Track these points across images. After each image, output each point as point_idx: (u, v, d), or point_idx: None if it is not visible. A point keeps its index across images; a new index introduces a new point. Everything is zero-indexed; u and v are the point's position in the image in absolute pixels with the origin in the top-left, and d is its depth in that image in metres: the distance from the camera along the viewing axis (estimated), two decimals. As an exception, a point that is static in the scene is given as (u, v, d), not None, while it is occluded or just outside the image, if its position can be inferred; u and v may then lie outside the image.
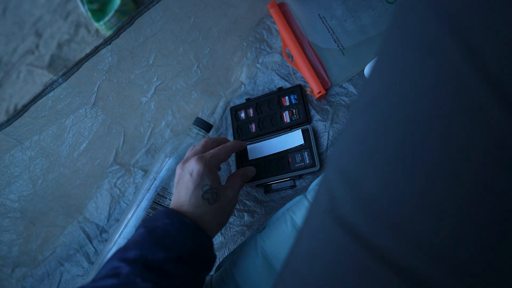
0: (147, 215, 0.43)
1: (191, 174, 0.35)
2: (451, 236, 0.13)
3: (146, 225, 0.32)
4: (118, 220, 0.54)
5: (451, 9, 0.13)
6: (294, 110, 0.49)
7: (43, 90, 0.40)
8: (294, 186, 0.46)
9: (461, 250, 0.13)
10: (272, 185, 0.47)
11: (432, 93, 0.14)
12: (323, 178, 0.20)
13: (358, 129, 0.17)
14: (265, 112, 0.50)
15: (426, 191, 0.14)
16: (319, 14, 0.49)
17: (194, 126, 0.47)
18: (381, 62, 0.17)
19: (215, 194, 0.35)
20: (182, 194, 0.35)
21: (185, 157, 0.39)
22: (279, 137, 0.47)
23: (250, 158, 0.48)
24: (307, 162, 0.45)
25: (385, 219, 0.15)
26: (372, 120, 0.16)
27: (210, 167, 0.36)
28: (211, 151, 0.39)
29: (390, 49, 0.16)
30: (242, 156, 0.50)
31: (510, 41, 0.12)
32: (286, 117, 0.49)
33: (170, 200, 0.44)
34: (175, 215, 0.32)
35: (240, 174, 0.43)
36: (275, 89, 0.51)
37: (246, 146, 0.49)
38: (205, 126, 0.47)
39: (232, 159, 0.51)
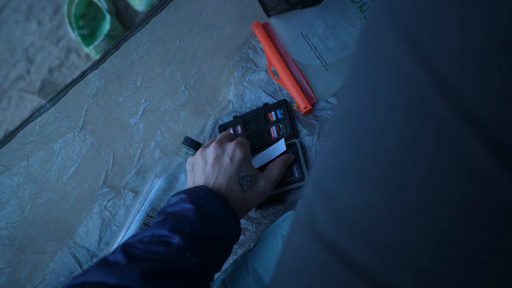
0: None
1: (231, 159, 0.36)
2: (423, 247, 0.14)
3: (193, 201, 0.32)
4: (108, 244, 0.53)
5: (408, 22, 0.14)
6: (281, 125, 0.49)
7: (31, 116, 0.41)
8: (285, 201, 0.46)
9: (431, 258, 0.13)
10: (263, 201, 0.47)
11: (394, 108, 0.14)
12: (303, 193, 0.20)
13: (332, 143, 0.18)
14: (252, 128, 0.51)
15: (397, 202, 0.14)
16: (301, 33, 0.51)
17: (183, 145, 0.48)
18: (350, 78, 0.18)
19: (250, 182, 0.36)
20: (220, 177, 0.36)
21: (205, 144, 0.40)
22: (262, 151, 0.47)
23: None
24: (296, 176, 0.46)
25: (359, 232, 0.15)
26: (343, 134, 0.17)
27: (247, 155, 0.37)
28: (241, 139, 0.40)
29: (358, 64, 0.17)
30: None
31: (465, 51, 0.12)
32: (274, 132, 0.50)
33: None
34: (221, 200, 0.34)
35: (281, 161, 0.43)
36: (262, 105, 0.52)
37: None
38: (194, 145, 0.48)
39: None
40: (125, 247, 0.29)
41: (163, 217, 0.32)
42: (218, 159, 0.36)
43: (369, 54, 0.16)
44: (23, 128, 0.41)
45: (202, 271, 0.30)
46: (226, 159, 0.36)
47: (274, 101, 0.52)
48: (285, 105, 0.50)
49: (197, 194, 0.34)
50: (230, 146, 0.37)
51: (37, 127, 0.42)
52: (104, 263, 0.27)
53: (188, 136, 0.48)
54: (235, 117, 0.53)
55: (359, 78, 0.17)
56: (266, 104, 0.51)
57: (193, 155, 0.48)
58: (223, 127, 0.53)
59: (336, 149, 0.17)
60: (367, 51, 0.16)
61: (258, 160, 0.47)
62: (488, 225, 0.12)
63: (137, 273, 0.26)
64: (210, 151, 0.38)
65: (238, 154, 0.36)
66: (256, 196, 0.37)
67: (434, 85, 0.13)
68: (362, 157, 0.16)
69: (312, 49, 0.50)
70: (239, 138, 0.40)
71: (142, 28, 0.41)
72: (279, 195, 0.46)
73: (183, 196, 0.33)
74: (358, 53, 0.17)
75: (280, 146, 0.46)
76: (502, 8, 0.11)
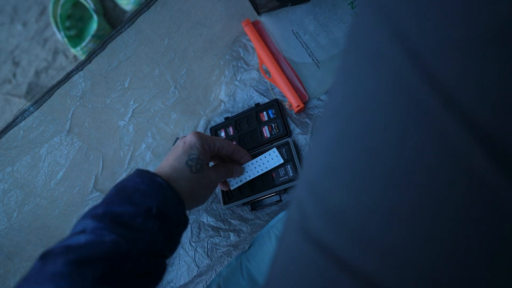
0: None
1: (184, 142, 0.37)
2: (419, 248, 0.13)
3: (117, 185, 0.32)
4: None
5: (395, 18, 0.13)
6: (273, 125, 0.49)
7: (14, 120, 0.39)
8: (280, 200, 0.46)
9: (430, 261, 0.13)
10: (258, 202, 0.47)
11: (385, 103, 0.14)
12: (295, 192, 0.19)
13: (322, 141, 0.17)
14: (244, 129, 0.50)
15: (388, 201, 0.14)
16: (292, 30, 0.50)
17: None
18: (340, 75, 0.17)
19: (199, 165, 0.36)
20: (169, 158, 0.36)
21: None
22: (256, 160, 0.46)
23: (232, 187, 0.46)
24: (291, 175, 0.45)
25: (351, 232, 0.15)
26: (334, 132, 0.16)
27: (203, 143, 0.37)
28: (213, 137, 0.40)
29: (347, 61, 0.17)
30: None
31: (454, 45, 0.12)
32: (266, 132, 0.49)
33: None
34: (146, 174, 0.32)
35: (228, 166, 0.42)
36: (254, 106, 0.51)
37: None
38: (185, 146, 0.47)
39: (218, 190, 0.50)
40: (44, 252, 0.26)
41: (93, 206, 0.31)
42: (176, 147, 0.37)
43: (357, 51, 0.16)
44: (6, 133, 0.40)
45: (131, 249, 0.27)
46: (180, 143, 0.37)
47: (266, 100, 0.51)
48: (276, 104, 0.49)
49: (126, 177, 0.33)
50: (189, 135, 0.38)
51: (21, 131, 0.41)
52: (25, 276, 0.26)
53: (180, 137, 0.47)
54: (226, 118, 0.52)
55: (348, 74, 0.17)
56: (257, 105, 0.51)
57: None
58: (214, 129, 0.52)
59: (327, 146, 0.17)
60: (355, 48, 0.16)
61: (252, 170, 0.45)
62: (487, 228, 0.12)
63: (48, 274, 0.24)
64: (176, 143, 0.39)
65: (191, 138, 0.37)
66: (206, 183, 0.37)
67: (422, 80, 0.12)
68: (353, 155, 0.15)
69: (303, 46, 0.49)
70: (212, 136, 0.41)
71: (128, 27, 0.40)
72: (274, 195, 0.46)
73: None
74: (347, 49, 0.17)
75: (277, 159, 0.45)
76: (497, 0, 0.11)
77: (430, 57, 0.12)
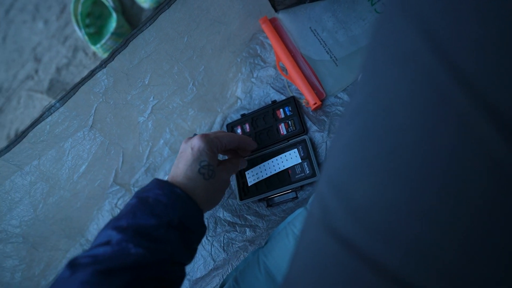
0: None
1: (192, 148, 0.37)
2: (443, 242, 0.13)
3: (138, 195, 0.33)
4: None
5: (423, 15, 0.13)
6: (290, 122, 0.49)
7: (41, 115, 0.41)
8: (296, 197, 0.46)
9: (454, 255, 0.13)
10: (274, 198, 0.47)
11: (412, 102, 0.14)
12: (316, 189, 0.20)
13: (345, 139, 0.17)
14: (261, 126, 0.51)
15: (416, 198, 0.14)
16: (310, 27, 0.50)
17: (192, 143, 0.48)
18: (364, 73, 0.18)
19: (211, 171, 0.36)
20: (180, 166, 0.36)
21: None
22: (275, 158, 0.47)
23: (249, 184, 0.48)
24: (307, 172, 0.45)
25: (377, 229, 0.15)
26: (357, 129, 0.17)
27: (211, 146, 0.37)
28: (217, 133, 0.40)
29: (372, 59, 0.17)
30: (243, 177, 0.49)
31: (484, 43, 0.12)
32: (283, 129, 0.49)
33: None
34: (167, 185, 0.34)
35: (233, 162, 0.43)
36: (270, 103, 0.51)
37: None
38: (203, 142, 0.48)
39: (233, 182, 0.51)
40: (71, 261, 0.28)
41: (116, 216, 0.32)
42: (183, 152, 0.38)
43: (383, 48, 0.16)
44: (34, 128, 0.41)
45: (154, 259, 0.29)
46: (188, 150, 0.37)
47: (283, 97, 0.51)
48: (293, 102, 0.49)
49: (145, 187, 0.34)
50: (194, 139, 0.38)
51: (48, 126, 0.42)
52: (53, 283, 0.27)
53: (197, 133, 0.48)
54: (242, 115, 0.52)
55: (373, 72, 0.17)
56: (274, 102, 0.51)
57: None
58: (231, 126, 0.53)
59: (350, 144, 0.17)
60: (381, 45, 0.16)
61: (269, 168, 0.47)
62: (510, 218, 0.12)
63: (78, 282, 0.25)
64: (181, 146, 0.39)
65: (198, 144, 0.37)
66: (219, 184, 0.38)
67: (452, 78, 0.12)
68: (378, 153, 0.15)
69: (321, 43, 0.49)
70: (215, 132, 0.41)
71: (149, 25, 0.41)
72: (290, 192, 0.46)
73: (134, 193, 0.35)
74: (371, 47, 0.17)
75: (296, 159, 0.46)
76: None
77: (460, 55, 0.12)
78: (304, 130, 0.48)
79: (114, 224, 0.30)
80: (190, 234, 0.33)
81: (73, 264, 0.27)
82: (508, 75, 0.11)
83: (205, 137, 0.38)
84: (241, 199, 0.48)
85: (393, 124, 0.15)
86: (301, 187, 0.46)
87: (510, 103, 0.11)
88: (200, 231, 0.34)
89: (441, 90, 0.13)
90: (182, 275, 0.32)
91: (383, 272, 0.15)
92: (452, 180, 0.13)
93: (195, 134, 0.48)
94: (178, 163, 0.37)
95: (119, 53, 0.41)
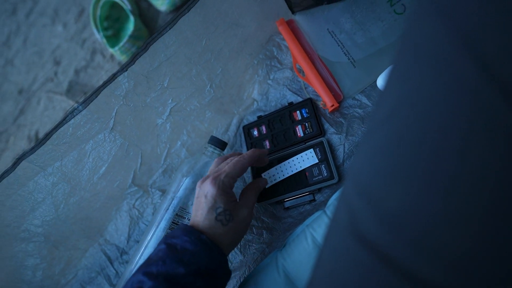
0: (167, 236, 0.43)
1: (205, 196, 0.37)
2: (472, 249, 0.13)
3: (167, 241, 0.34)
4: (137, 241, 0.54)
5: (460, 20, 0.13)
6: (307, 124, 0.49)
7: (64, 118, 0.42)
8: (313, 200, 0.46)
9: (483, 262, 0.13)
10: (291, 200, 0.47)
11: (448, 109, 0.14)
12: (342, 194, 0.20)
13: (376, 143, 0.17)
14: (277, 128, 0.51)
15: (446, 206, 0.14)
16: (327, 29, 0.50)
17: (209, 144, 0.48)
18: (395, 76, 0.17)
19: (229, 215, 0.37)
20: (198, 214, 0.37)
21: (206, 175, 0.40)
22: (292, 159, 0.47)
23: (266, 186, 0.48)
24: (325, 175, 0.45)
25: (407, 235, 0.15)
26: (389, 135, 0.16)
27: (224, 189, 0.37)
28: (226, 168, 0.39)
29: (403, 63, 0.17)
30: (258, 172, 0.50)
31: None
32: (300, 131, 0.49)
33: (189, 220, 0.44)
34: (194, 233, 0.35)
35: (253, 187, 0.43)
36: (287, 105, 0.51)
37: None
38: (220, 144, 0.48)
39: (248, 175, 0.51)
40: None
41: (145, 261, 0.34)
42: (198, 198, 0.38)
43: (415, 53, 0.16)
44: (57, 130, 0.42)
45: None
46: (202, 197, 0.37)
47: (300, 99, 0.51)
48: (310, 104, 0.49)
49: (173, 233, 0.35)
50: (205, 184, 0.38)
51: (70, 128, 0.44)
52: None
53: (214, 135, 0.49)
54: (259, 117, 0.53)
55: (404, 77, 0.16)
56: (291, 104, 0.51)
57: (219, 154, 0.48)
58: (247, 128, 0.53)
59: (380, 150, 0.17)
60: (412, 50, 0.16)
61: (286, 169, 0.47)
62: None
63: None
64: (196, 190, 0.39)
65: (211, 191, 0.37)
66: (240, 225, 0.38)
67: (490, 86, 0.12)
68: (410, 159, 0.15)
69: (339, 45, 0.49)
70: (225, 162, 0.40)
71: (170, 29, 0.41)
72: (307, 195, 0.46)
73: (162, 238, 0.36)
74: (401, 51, 0.17)
75: (312, 159, 0.45)
76: None
77: (497, 62, 0.12)
78: (322, 132, 0.48)
79: (144, 270, 0.32)
80: (216, 280, 0.34)
81: None
82: None
83: (216, 181, 0.37)
84: (258, 201, 0.48)
85: (426, 130, 0.14)
86: (319, 189, 0.46)
87: None
88: (225, 276, 0.36)
89: (480, 101, 0.12)
90: None
91: (413, 280, 0.14)
92: (485, 188, 0.13)
93: (212, 136, 0.48)
94: (196, 209, 0.38)
95: (140, 56, 0.41)
